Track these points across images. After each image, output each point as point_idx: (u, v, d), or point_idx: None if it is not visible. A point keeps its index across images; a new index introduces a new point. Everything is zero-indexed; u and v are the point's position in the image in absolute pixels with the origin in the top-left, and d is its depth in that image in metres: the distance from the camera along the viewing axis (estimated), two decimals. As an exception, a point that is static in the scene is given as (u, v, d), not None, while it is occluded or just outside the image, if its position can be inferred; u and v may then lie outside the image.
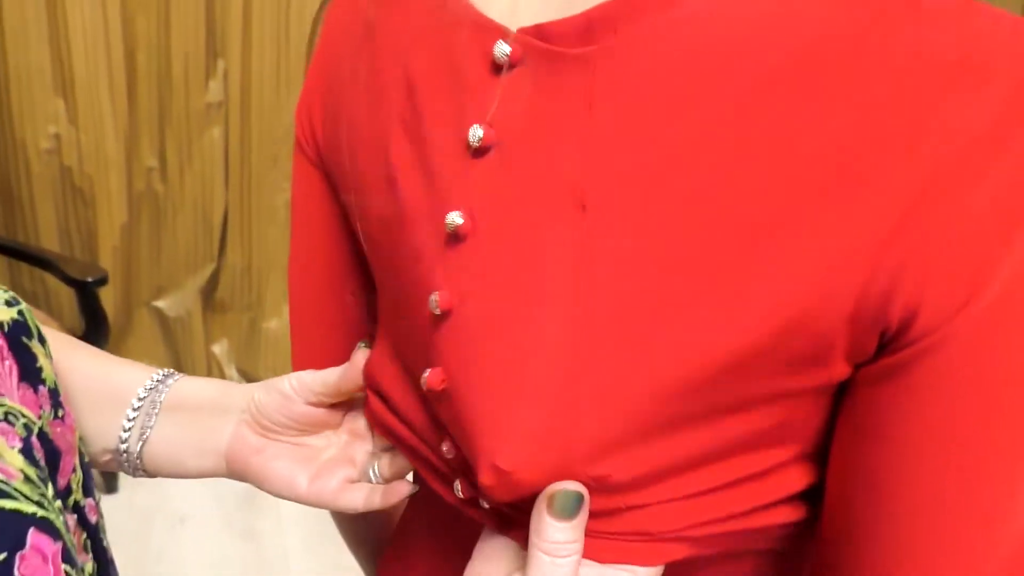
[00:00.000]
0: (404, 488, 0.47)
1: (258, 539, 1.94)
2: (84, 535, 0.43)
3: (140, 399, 0.49)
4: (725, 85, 0.30)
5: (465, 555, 0.43)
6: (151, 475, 0.51)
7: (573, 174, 0.32)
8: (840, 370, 0.32)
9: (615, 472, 0.34)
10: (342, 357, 0.50)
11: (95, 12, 1.97)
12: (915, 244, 0.29)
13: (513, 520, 0.38)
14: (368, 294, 0.51)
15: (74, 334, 1.95)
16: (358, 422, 0.51)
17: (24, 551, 0.33)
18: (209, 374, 2.44)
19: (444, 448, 0.40)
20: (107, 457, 0.50)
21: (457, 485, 0.40)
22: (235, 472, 0.50)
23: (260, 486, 0.49)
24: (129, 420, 0.48)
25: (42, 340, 0.44)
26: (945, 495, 0.31)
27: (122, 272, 2.23)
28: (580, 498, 0.34)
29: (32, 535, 0.34)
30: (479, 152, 0.35)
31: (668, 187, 0.31)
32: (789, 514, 0.38)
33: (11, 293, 0.44)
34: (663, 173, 0.31)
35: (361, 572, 0.65)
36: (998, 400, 0.30)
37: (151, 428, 0.49)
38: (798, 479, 0.37)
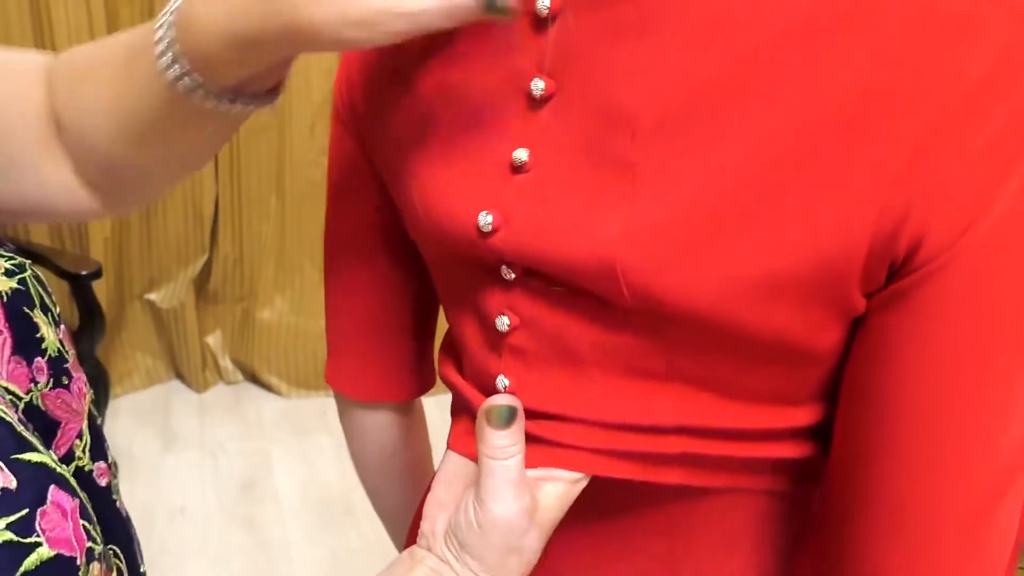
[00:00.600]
0: None
1: (259, 528, 1.96)
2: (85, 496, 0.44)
3: (161, 19, 0.40)
4: (758, 25, 0.33)
5: None
6: (227, 87, 0.41)
7: (625, 103, 0.35)
8: (855, 304, 0.35)
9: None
10: (389, 341, 0.53)
11: (80, 28, 1.96)
12: (922, 180, 0.31)
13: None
14: (412, 265, 0.52)
15: (68, 327, 1.95)
16: None
17: (45, 507, 0.34)
18: (204, 365, 2.44)
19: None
20: (166, 104, 0.42)
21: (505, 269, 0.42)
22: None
23: None
24: (158, 42, 0.40)
25: (45, 309, 0.44)
26: (946, 410, 0.34)
27: (114, 265, 2.22)
28: (513, 410, 0.41)
29: (53, 492, 0.35)
30: (542, 101, 0.38)
31: (709, 115, 0.34)
32: (791, 449, 0.41)
33: (17, 260, 0.43)
34: (704, 102, 0.34)
35: (362, 557, 0.66)
36: (994, 318, 0.33)
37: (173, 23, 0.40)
38: (803, 415, 0.40)
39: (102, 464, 0.45)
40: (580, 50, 0.37)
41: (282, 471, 2.13)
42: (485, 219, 0.40)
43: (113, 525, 0.46)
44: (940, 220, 0.32)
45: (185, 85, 0.40)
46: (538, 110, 0.38)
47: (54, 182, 0.48)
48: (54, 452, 0.42)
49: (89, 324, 1.88)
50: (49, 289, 0.45)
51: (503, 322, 0.43)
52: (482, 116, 0.40)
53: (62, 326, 0.45)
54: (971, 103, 0.31)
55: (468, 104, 0.40)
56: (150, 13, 2.06)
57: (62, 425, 0.42)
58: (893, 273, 0.33)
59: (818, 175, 0.33)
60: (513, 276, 0.42)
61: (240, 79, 0.41)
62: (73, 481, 0.37)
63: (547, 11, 0.37)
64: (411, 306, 0.54)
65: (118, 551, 0.46)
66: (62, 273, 1.86)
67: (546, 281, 0.40)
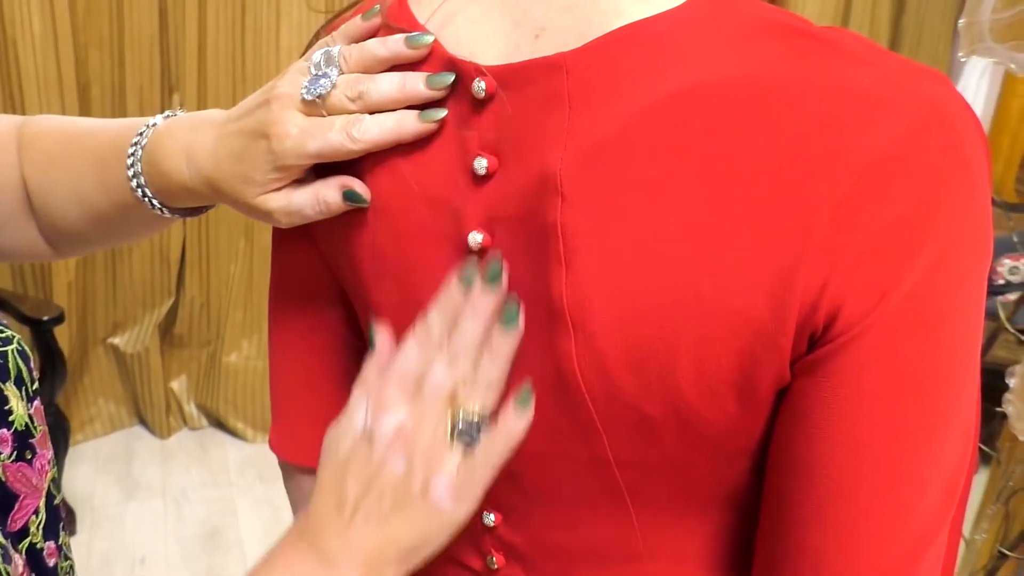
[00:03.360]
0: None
1: (221, 578, 1.91)
2: None
3: (132, 148, 0.51)
4: (669, 100, 0.35)
5: None
6: (170, 205, 0.51)
7: (554, 167, 0.37)
8: (786, 373, 0.36)
9: None
10: (338, 407, 0.51)
11: (47, 47, 1.95)
12: (838, 251, 0.33)
13: None
14: (359, 337, 0.52)
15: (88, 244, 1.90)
16: None
17: None
18: (168, 410, 2.40)
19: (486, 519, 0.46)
20: (137, 213, 0.52)
21: (492, 559, 0.46)
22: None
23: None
24: (129, 168, 0.51)
25: (20, 383, 0.44)
26: (861, 476, 0.35)
27: (77, 309, 2.19)
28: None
29: None
30: (486, 178, 0.40)
31: (629, 175, 0.35)
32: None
33: (7, 334, 0.45)
34: (623, 162, 0.36)
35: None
36: (905, 388, 0.34)
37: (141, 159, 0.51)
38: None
39: (52, 544, 0.45)
40: (516, 126, 0.38)
41: (247, 519, 2.08)
42: None
43: None
44: (855, 291, 0.33)
45: (147, 203, 0.51)
46: (483, 187, 0.40)
47: (25, 238, 0.57)
48: (11, 522, 0.42)
49: (50, 370, 1.84)
50: (32, 367, 0.46)
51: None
52: (429, 195, 0.41)
53: (36, 402, 0.45)
54: (879, 178, 0.32)
55: (414, 180, 0.41)
56: (119, 52, 2.07)
57: (20, 499, 0.42)
58: (813, 342, 0.35)
59: (740, 240, 0.34)
60: None
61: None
62: None
63: (484, 93, 0.39)
64: (356, 369, 0.54)
65: None
66: (24, 318, 1.83)
67: None
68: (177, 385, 2.42)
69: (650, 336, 0.36)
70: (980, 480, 1.06)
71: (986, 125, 2.94)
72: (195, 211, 0.53)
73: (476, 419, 0.41)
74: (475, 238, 0.40)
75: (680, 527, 0.43)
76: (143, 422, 2.42)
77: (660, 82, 0.35)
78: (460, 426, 0.41)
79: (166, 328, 2.35)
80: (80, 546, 1.94)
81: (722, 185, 0.34)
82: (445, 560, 0.49)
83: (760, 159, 0.33)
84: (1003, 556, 0.89)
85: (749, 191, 0.33)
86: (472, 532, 0.47)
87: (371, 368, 0.44)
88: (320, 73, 0.43)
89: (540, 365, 0.40)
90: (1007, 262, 1.57)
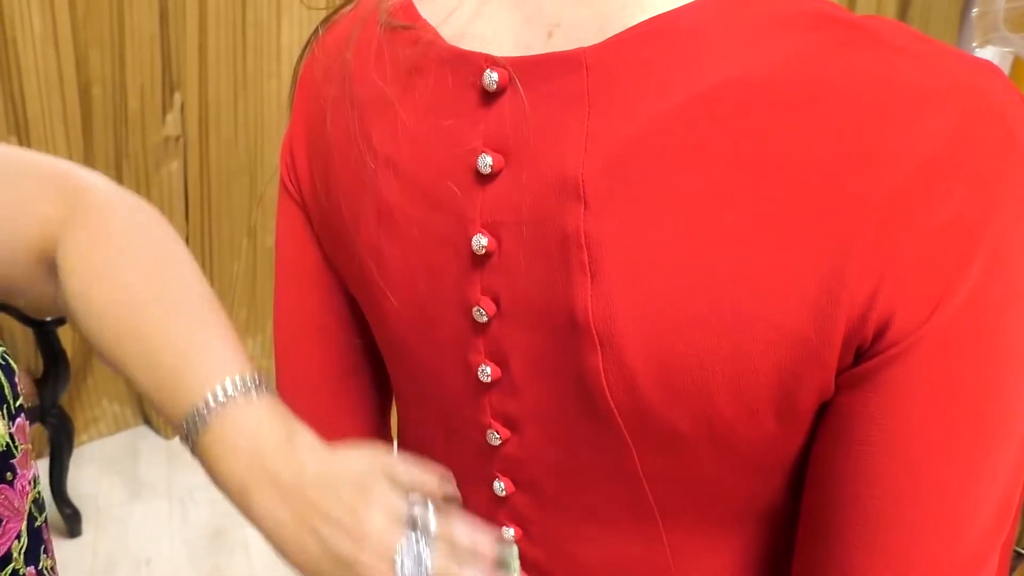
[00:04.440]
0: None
1: (227, 578, 1.90)
2: None
3: (186, 426, 0.45)
4: (701, 98, 0.32)
5: None
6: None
7: (575, 172, 0.34)
8: (830, 387, 0.34)
9: None
10: (345, 418, 0.50)
11: (47, 47, 1.95)
12: (888, 258, 0.31)
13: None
14: (365, 336, 0.51)
15: (32, 375, 1.90)
16: None
17: None
18: (172, 411, 2.39)
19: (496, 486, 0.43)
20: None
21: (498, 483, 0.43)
22: None
23: None
24: (185, 437, 0.45)
25: (2, 399, 0.43)
26: (912, 494, 0.33)
27: (80, 310, 2.18)
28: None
29: None
30: (491, 177, 0.37)
31: (659, 179, 0.33)
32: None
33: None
34: (653, 166, 0.33)
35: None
36: (960, 401, 0.32)
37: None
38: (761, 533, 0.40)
39: (32, 569, 0.44)
40: (528, 123, 0.36)
41: (252, 519, 2.08)
42: (479, 314, 0.39)
43: None
44: (907, 300, 0.31)
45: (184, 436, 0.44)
46: (487, 186, 0.37)
47: (30, 290, 0.50)
48: None
49: (53, 371, 1.84)
50: (16, 381, 0.44)
51: (494, 437, 0.42)
52: (432, 196, 0.39)
53: (19, 419, 0.44)
54: (930, 178, 0.30)
55: (417, 182, 0.39)
56: (120, 52, 2.06)
57: (3, 524, 0.41)
58: (861, 354, 0.32)
59: (781, 249, 0.32)
60: (491, 379, 0.41)
61: None
62: None
63: (495, 86, 0.36)
64: (367, 381, 0.53)
65: None
66: (27, 320, 1.82)
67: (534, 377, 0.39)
68: (181, 385, 2.42)
69: (682, 351, 0.34)
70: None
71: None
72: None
73: None
74: (479, 242, 0.38)
75: (710, 544, 0.41)
76: (148, 422, 2.41)
77: (689, 80, 0.32)
78: None
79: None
80: (85, 547, 1.94)
81: (759, 190, 0.32)
82: None
83: (800, 161, 0.31)
84: (1019, 556, 0.88)
85: (789, 196, 0.31)
86: None
87: None
88: (414, 550, 0.39)
89: (562, 378, 0.38)
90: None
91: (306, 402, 0.52)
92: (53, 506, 1.97)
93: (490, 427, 0.42)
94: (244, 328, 2.39)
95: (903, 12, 2.66)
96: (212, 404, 0.43)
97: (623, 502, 0.40)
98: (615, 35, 0.34)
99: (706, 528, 0.40)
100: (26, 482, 0.44)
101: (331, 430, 0.52)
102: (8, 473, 0.42)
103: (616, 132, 0.34)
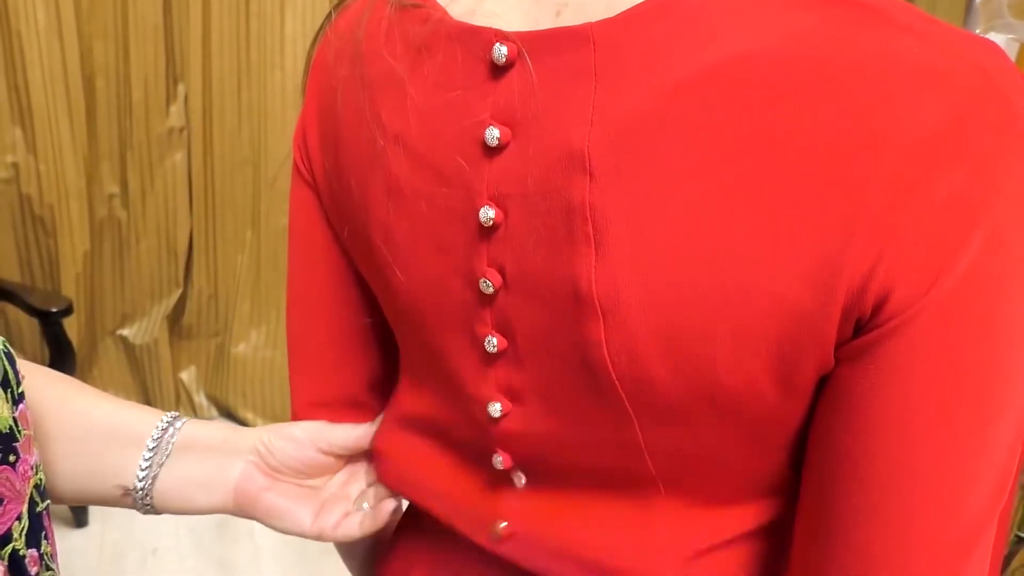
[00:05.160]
0: (390, 505, 0.51)
1: (233, 569, 1.91)
2: None
3: (155, 439, 0.51)
4: (707, 74, 0.33)
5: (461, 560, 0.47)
6: (158, 512, 0.53)
7: (581, 146, 0.35)
8: (828, 359, 0.34)
9: None
10: (353, 384, 0.52)
11: (51, 39, 1.95)
12: (888, 232, 0.31)
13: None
14: (375, 315, 0.52)
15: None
16: (355, 463, 0.55)
17: None
18: (177, 401, 2.40)
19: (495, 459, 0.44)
20: (119, 493, 0.52)
21: (497, 457, 0.44)
22: (242, 509, 0.52)
23: (266, 522, 0.52)
24: (145, 460, 0.51)
25: (6, 385, 0.44)
26: (912, 465, 0.33)
27: (86, 301, 2.19)
28: None
29: None
30: (498, 150, 0.37)
31: (666, 153, 0.33)
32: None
33: None
34: (660, 139, 0.33)
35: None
36: (958, 374, 0.32)
37: (162, 467, 0.51)
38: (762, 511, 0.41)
39: (34, 552, 0.45)
40: (536, 97, 0.36)
41: (258, 509, 2.09)
42: (485, 285, 0.39)
43: None
44: (906, 274, 0.31)
45: (138, 504, 0.52)
46: (494, 159, 0.38)
47: None
48: None
49: (59, 362, 1.85)
50: (17, 368, 0.45)
51: (495, 409, 0.42)
52: (440, 170, 0.39)
53: (21, 405, 0.44)
54: (933, 154, 0.31)
55: (425, 157, 0.40)
56: (124, 43, 2.06)
57: (3, 503, 0.42)
58: (860, 327, 0.33)
59: (783, 222, 0.32)
60: (497, 350, 0.41)
61: None
62: None
63: (504, 59, 0.36)
64: (377, 357, 0.54)
65: None
66: (32, 310, 1.83)
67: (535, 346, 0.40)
68: (186, 376, 2.43)
69: (685, 323, 0.34)
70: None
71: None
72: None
73: None
74: (487, 213, 0.38)
75: (711, 517, 0.41)
76: (153, 413, 2.43)
77: (695, 56, 0.33)
78: None
79: (174, 319, 2.35)
80: (92, 538, 1.95)
81: (763, 165, 0.32)
82: (467, 547, 0.48)
83: (804, 137, 0.31)
84: (1020, 540, 0.89)
85: (792, 171, 0.32)
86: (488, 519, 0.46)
87: None
88: None
89: (565, 349, 0.38)
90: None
91: (316, 379, 0.53)
92: (60, 496, 1.98)
93: (492, 400, 0.42)
94: (248, 320, 2.40)
95: None
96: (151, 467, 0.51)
97: (624, 474, 0.40)
98: (623, 11, 0.34)
99: (707, 501, 0.41)
100: (28, 467, 0.44)
101: (340, 408, 0.53)
102: (11, 455, 0.43)
103: (622, 106, 0.34)
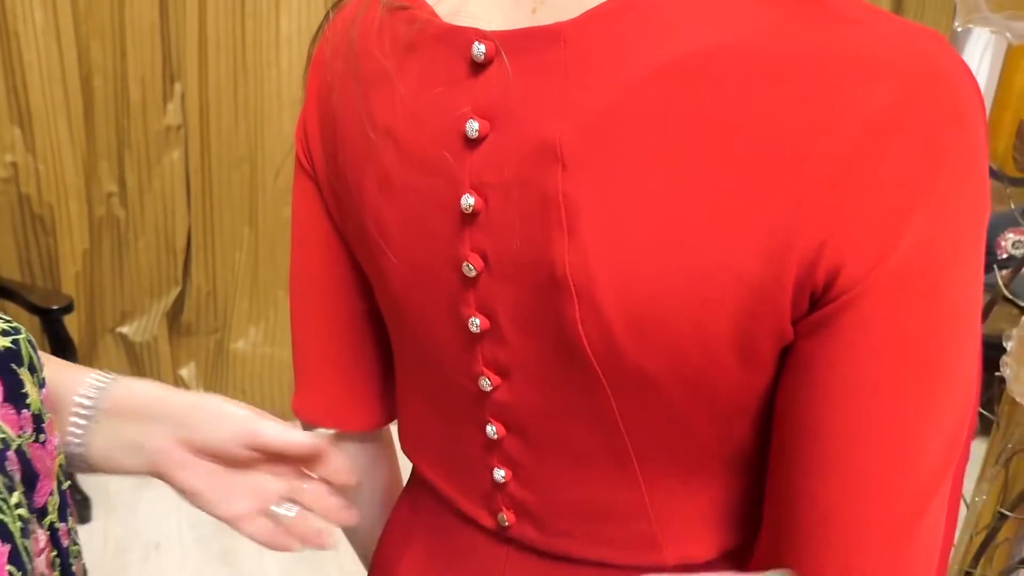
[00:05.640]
0: (317, 528, 0.52)
1: (236, 563, 1.93)
2: (55, 554, 0.45)
3: (87, 407, 0.51)
4: (669, 68, 0.35)
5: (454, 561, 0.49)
6: (93, 471, 0.53)
7: (554, 137, 0.37)
8: (785, 331, 0.37)
9: None
10: (354, 373, 0.54)
11: (49, 39, 1.96)
12: (835, 211, 0.34)
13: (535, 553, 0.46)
14: (370, 302, 0.54)
15: None
16: (278, 464, 0.53)
17: None
18: (178, 398, 2.42)
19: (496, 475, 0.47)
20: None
21: (503, 516, 0.48)
22: (160, 476, 0.52)
23: (180, 494, 0.52)
24: (76, 425, 0.51)
25: (32, 369, 0.46)
26: (867, 430, 0.36)
27: (85, 299, 2.21)
28: None
29: None
30: (477, 142, 0.40)
31: (630, 144, 0.36)
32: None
33: (13, 324, 0.46)
34: (624, 131, 0.36)
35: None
36: (907, 343, 0.35)
37: (91, 431, 0.51)
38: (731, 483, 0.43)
39: (64, 526, 0.47)
40: (512, 92, 0.38)
41: (259, 503, 2.11)
42: (468, 269, 0.42)
43: None
44: (854, 251, 0.33)
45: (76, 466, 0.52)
46: (474, 150, 0.40)
47: None
48: (35, 500, 0.43)
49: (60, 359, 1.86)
50: (39, 355, 0.47)
51: (485, 383, 0.45)
52: (420, 159, 0.42)
53: (44, 390, 0.46)
54: (876, 139, 0.33)
55: (412, 149, 0.42)
56: (121, 43, 2.07)
57: (40, 479, 0.44)
58: (815, 301, 0.35)
59: (739, 204, 0.34)
60: (480, 330, 0.43)
61: None
62: (14, 527, 0.38)
63: (483, 57, 0.39)
64: (374, 339, 0.56)
65: None
66: (33, 308, 1.85)
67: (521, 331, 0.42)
68: (186, 373, 2.44)
69: (652, 300, 0.37)
70: (981, 445, 1.07)
71: (988, 100, 2.93)
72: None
73: None
74: (467, 201, 0.40)
75: (685, 488, 0.44)
76: (153, 410, 2.44)
77: (658, 51, 0.35)
78: None
79: (174, 316, 2.36)
80: (95, 533, 1.97)
81: (720, 151, 0.34)
82: (459, 520, 0.50)
83: (757, 125, 0.34)
84: (1003, 516, 0.91)
85: (747, 156, 0.34)
86: (482, 488, 0.48)
87: None
88: None
89: (545, 328, 0.41)
90: (1011, 236, 1.57)
91: (316, 361, 0.55)
92: (62, 492, 2.00)
93: (482, 374, 0.44)
94: (247, 317, 2.41)
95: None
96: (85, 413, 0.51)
97: (603, 446, 0.43)
98: (591, 9, 0.37)
99: (681, 472, 0.43)
100: (53, 447, 0.46)
101: (339, 391, 0.55)
102: (41, 435, 0.45)
103: (592, 99, 0.36)
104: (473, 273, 0.42)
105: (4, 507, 0.39)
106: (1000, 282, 0.90)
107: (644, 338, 0.38)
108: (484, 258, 0.41)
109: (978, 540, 0.95)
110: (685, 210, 0.35)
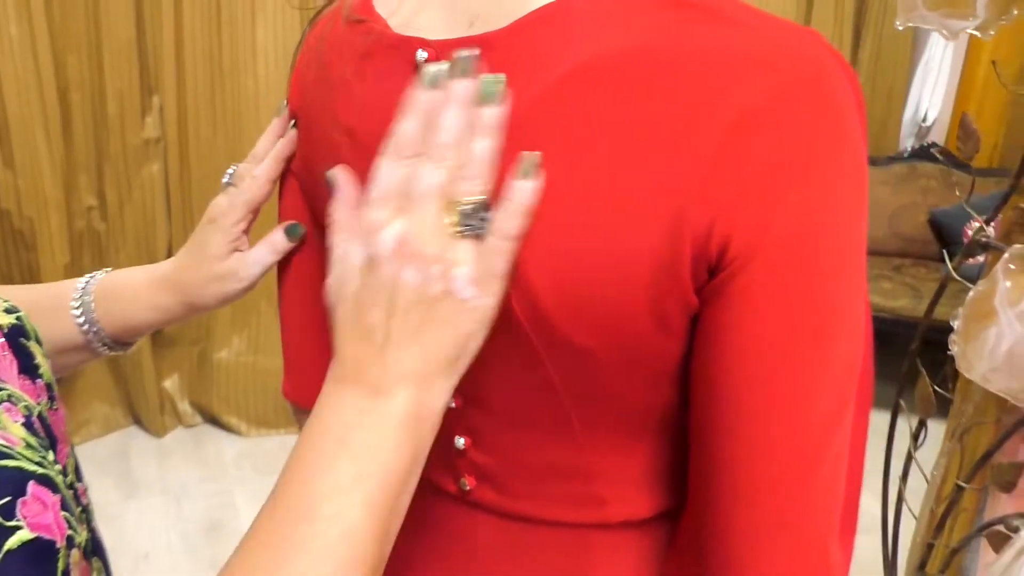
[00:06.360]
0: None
1: (224, 568, 1.95)
2: (80, 509, 0.47)
3: (78, 292, 0.59)
4: (579, 70, 0.40)
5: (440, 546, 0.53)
6: (125, 342, 0.61)
7: None
8: (691, 300, 0.41)
9: None
10: (325, 351, 0.58)
11: (25, 53, 1.98)
12: (719, 192, 0.38)
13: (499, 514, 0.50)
14: None
15: None
16: None
17: (26, 497, 0.38)
18: (161, 409, 2.43)
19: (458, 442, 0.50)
20: (78, 353, 0.59)
21: (464, 482, 0.52)
22: (181, 289, 0.59)
23: (207, 291, 0.59)
24: (75, 309, 0.58)
25: (39, 341, 0.49)
26: (764, 385, 0.40)
27: (67, 313, 2.22)
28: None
29: (32, 486, 0.39)
30: None
31: (552, 139, 0.41)
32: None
33: (9, 303, 0.49)
34: (547, 130, 0.41)
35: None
36: (788, 309, 0.39)
37: (91, 302, 0.59)
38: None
39: (81, 485, 0.49)
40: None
41: (247, 510, 2.12)
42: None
43: (92, 536, 0.49)
44: (738, 226, 0.38)
45: (95, 343, 0.59)
46: None
47: None
48: (59, 459, 0.46)
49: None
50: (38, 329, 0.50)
51: None
52: (373, 154, 0.46)
53: (49, 360, 0.49)
54: (752, 128, 0.37)
55: (367, 143, 0.47)
56: (98, 56, 2.09)
57: (59, 442, 0.47)
58: (711, 272, 0.40)
59: (642, 190, 0.39)
60: None
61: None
62: (58, 480, 0.41)
63: (424, 61, 0.44)
64: None
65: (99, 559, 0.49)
66: (16, 322, 1.86)
67: None
68: (170, 384, 2.46)
69: (577, 279, 0.41)
70: (941, 425, 1.12)
71: (952, 94, 3.00)
72: (126, 345, 0.62)
73: (478, 202, 0.41)
74: None
75: (622, 450, 0.48)
76: (138, 422, 2.45)
77: (569, 55, 0.40)
78: (463, 214, 0.41)
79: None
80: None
81: (624, 143, 0.39)
82: (422, 485, 0.54)
83: (651, 118, 0.38)
84: (960, 488, 0.95)
85: (644, 146, 0.38)
86: (445, 456, 0.52)
87: (340, 208, 0.44)
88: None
89: None
90: (975, 224, 1.62)
91: (298, 345, 0.58)
92: (49, 505, 2.01)
93: None
94: (229, 326, 2.43)
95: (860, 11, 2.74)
96: (86, 284, 0.59)
97: (548, 413, 0.47)
98: (516, 21, 0.42)
99: (618, 436, 0.47)
100: (63, 411, 0.49)
101: (320, 371, 0.59)
102: (54, 403, 0.48)
103: (516, 98, 0.41)
104: None
105: (46, 464, 0.41)
106: (950, 266, 0.94)
107: (572, 313, 0.42)
108: None
109: (939, 512, 0.99)
110: (598, 197, 0.39)
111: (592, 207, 0.40)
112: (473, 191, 0.41)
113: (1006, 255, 0.79)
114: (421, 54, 0.44)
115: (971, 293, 0.81)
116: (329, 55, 0.50)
